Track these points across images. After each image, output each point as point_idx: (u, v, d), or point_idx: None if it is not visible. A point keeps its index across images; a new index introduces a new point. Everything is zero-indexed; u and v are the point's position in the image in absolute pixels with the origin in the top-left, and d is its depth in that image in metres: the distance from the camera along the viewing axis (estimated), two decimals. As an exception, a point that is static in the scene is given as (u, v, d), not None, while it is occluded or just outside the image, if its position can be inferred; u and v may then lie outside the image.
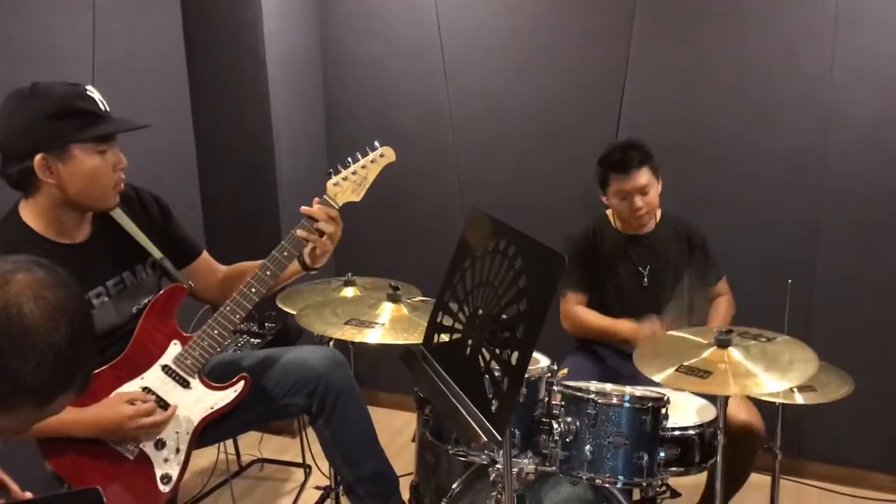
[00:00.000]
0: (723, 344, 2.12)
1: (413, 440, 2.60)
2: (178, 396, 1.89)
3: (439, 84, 3.61)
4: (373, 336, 2.31)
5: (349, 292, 2.83)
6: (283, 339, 3.21)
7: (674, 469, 2.10)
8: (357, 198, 2.00)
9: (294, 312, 2.60)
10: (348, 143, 3.83)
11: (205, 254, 2.13)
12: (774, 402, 2.41)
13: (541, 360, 2.23)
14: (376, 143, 2.03)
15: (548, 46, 3.42)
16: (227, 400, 1.93)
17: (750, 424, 2.49)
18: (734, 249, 3.09)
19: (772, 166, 3.15)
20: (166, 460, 1.86)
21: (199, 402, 1.91)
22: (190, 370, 1.90)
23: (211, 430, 2.14)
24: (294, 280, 2.10)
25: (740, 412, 2.47)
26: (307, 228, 1.93)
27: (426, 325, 1.82)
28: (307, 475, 3.40)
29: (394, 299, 2.47)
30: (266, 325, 3.20)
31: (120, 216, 1.90)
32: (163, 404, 1.87)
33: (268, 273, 1.92)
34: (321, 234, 1.93)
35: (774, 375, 2.01)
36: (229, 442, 3.40)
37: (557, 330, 2.89)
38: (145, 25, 3.34)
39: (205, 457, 3.52)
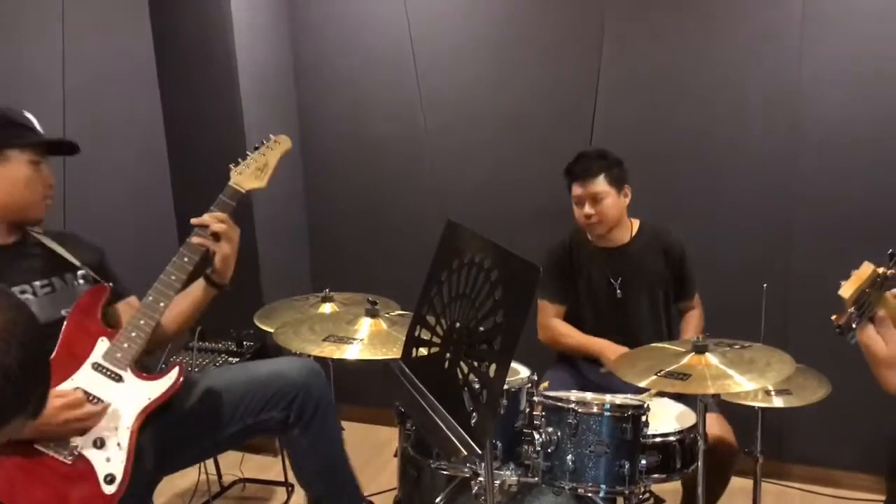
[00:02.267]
0: (700, 350, 2.14)
1: (395, 455, 2.59)
2: (111, 392, 1.87)
3: (412, 93, 3.62)
4: (352, 352, 2.29)
5: (327, 308, 2.81)
6: (261, 357, 3.19)
7: (656, 476, 2.10)
8: (261, 183, 2.16)
9: (272, 331, 2.59)
10: (323, 153, 3.85)
11: (133, 297, 2.16)
12: (753, 407, 2.43)
13: (521, 371, 2.24)
14: (271, 135, 2.22)
15: (520, 54, 3.44)
16: (163, 388, 1.92)
17: (723, 440, 2.49)
18: (708, 255, 3.11)
19: (744, 170, 3.18)
20: (108, 459, 1.81)
21: (134, 394, 1.89)
22: (120, 363, 1.90)
23: (189, 450, 2.12)
24: (208, 301, 2.12)
25: (713, 427, 2.46)
26: (201, 235, 2.03)
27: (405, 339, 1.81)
28: (290, 494, 3.36)
29: (372, 314, 2.46)
30: (244, 343, 3.18)
31: (46, 240, 1.97)
32: (95, 401, 1.85)
33: (185, 259, 1.99)
34: (217, 238, 2.01)
35: (752, 376, 2.03)
36: (210, 462, 3.36)
37: (538, 342, 2.89)
38: (115, 45, 3.32)
39: (186, 478, 3.48)
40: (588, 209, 2.70)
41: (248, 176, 2.13)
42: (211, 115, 3.56)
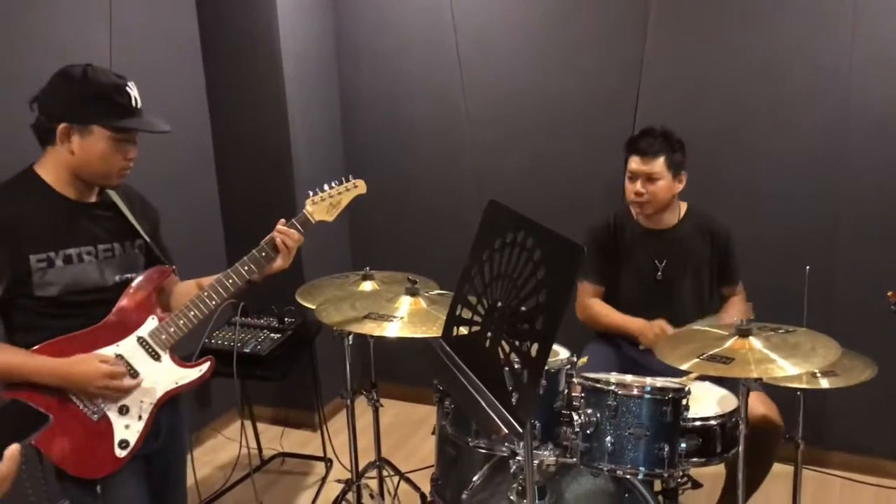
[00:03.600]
0: (744, 333, 2.12)
1: (433, 433, 2.61)
2: (147, 367, 1.98)
3: (454, 76, 3.61)
4: (392, 330, 2.32)
5: (367, 286, 2.84)
6: (302, 333, 3.23)
7: (695, 459, 2.10)
8: (330, 218, 2.24)
9: (313, 307, 2.62)
10: (364, 136, 3.87)
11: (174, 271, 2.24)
12: (796, 391, 2.40)
13: (560, 353, 2.23)
14: (350, 177, 2.31)
15: (563, 36, 3.40)
16: (192, 377, 2.04)
17: (768, 418, 2.47)
18: (752, 238, 3.06)
19: (789, 154, 3.12)
20: (127, 426, 1.94)
21: (166, 375, 2.01)
22: (163, 344, 2.00)
23: None
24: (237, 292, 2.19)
25: (758, 407, 2.45)
26: (272, 243, 2.10)
27: (445, 318, 1.82)
28: (328, 469, 3.42)
29: (412, 293, 2.47)
30: (286, 319, 3.22)
31: (118, 199, 2.03)
32: (133, 372, 1.96)
33: (246, 268, 2.06)
34: (277, 252, 2.10)
35: (796, 360, 2.01)
36: (251, 436, 3.43)
37: (577, 322, 2.89)
38: (161, 25, 3.36)
39: (227, 451, 3.56)
40: (640, 187, 2.67)
41: (321, 208, 2.22)
42: (255, 98, 3.59)
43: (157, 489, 2.10)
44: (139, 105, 1.92)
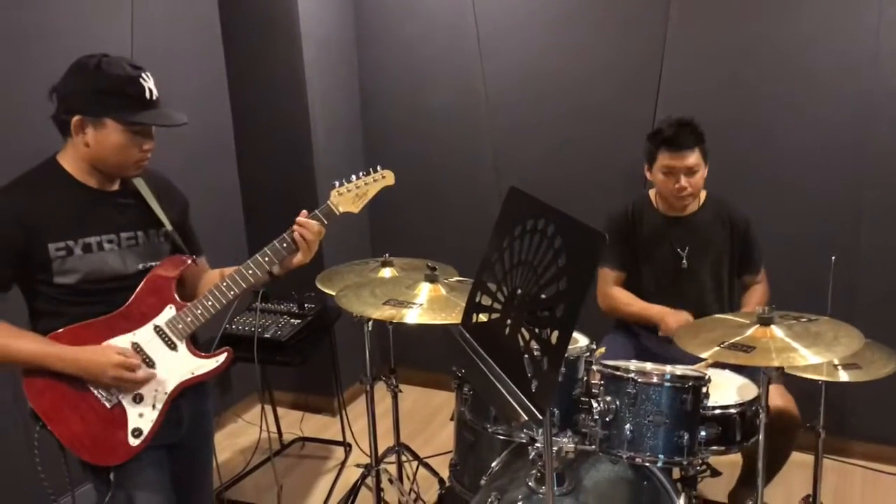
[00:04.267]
0: (765, 322, 2.10)
1: (452, 419, 2.62)
2: (163, 356, 1.98)
3: (474, 62, 3.59)
4: (411, 316, 2.32)
5: (387, 273, 2.84)
6: (322, 319, 3.25)
7: (714, 448, 2.09)
8: (356, 209, 2.19)
9: (333, 293, 2.63)
10: (383, 122, 3.87)
11: (203, 258, 2.24)
12: (818, 381, 2.38)
13: (579, 340, 2.23)
14: (378, 167, 2.24)
15: (583, 21, 3.38)
16: (208, 368, 2.02)
17: (785, 409, 2.46)
18: (775, 226, 3.04)
19: (813, 141, 3.08)
20: (141, 415, 1.94)
21: (182, 365, 2.00)
22: (180, 334, 2.00)
23: None
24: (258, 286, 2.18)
25: (776, 398, 2.43)
26: (292, 235, 2.06)
27: (464, 305, 1.82)
28: (347, 453, 3.44)
29: (431, 279, 2.48)
30: (305, 305, 3.24)
31: (143, 188, 2.03)
32: (148, 361, 1.97)
33: (266, 259, 2.03)
34: (297, 247, 2.06)
35: (818, 350, 1.99)
36: (271, 421, 3.47)
37: (597, 310, 2.88)
38: (182, 10, 3.37)
39: (247, 436, 3.59)
40: (683, 182, 2.65)
41: (346, 199, 2.16)
42: (275, 84, 3.60)
43: (184, 476, 2.11)
44: (155, 97, 1.89)
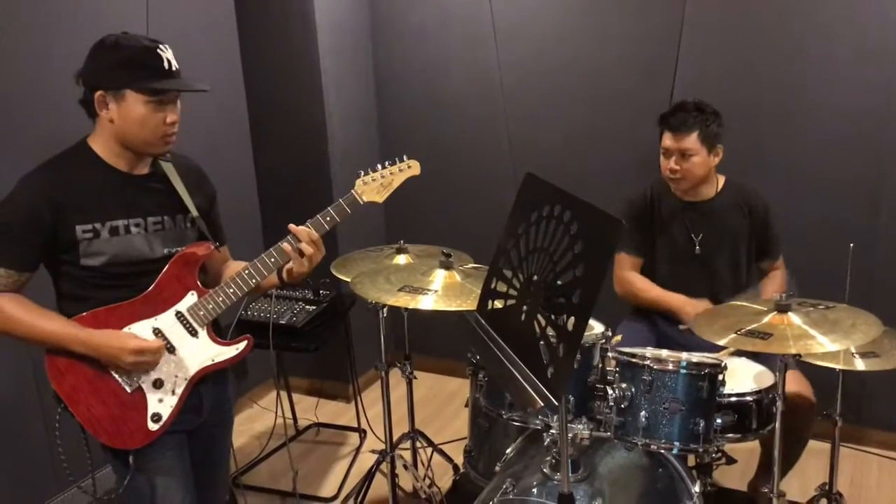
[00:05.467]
0: (782, 309, 2.09)
1: (466, 405, 2.62)
2: (184, 342, 2.00)
3: (489, 49, 3.57)
4: (426, 303, 2.32)
5: (402, 259, 2.85)
6: (337, 305, 3.26)
7: (730, 435, 2.09)
8: (380, 199, 2.17)
9: (348, 280, 2.63)
10: (398, 109, 3.86)
11: (226, 247, 2.25)
12: (835, 369, 2.36)
13: (595, 327, 2.22)
14: (405, 157, 2.22)
15: (599, 7, 3.35)
16: (228, 356, 2.04)
17: (801, 395, 2.44)
18: (793, 212, 3.02)
19: (832, 126, 3.05)
20: (160, 400, 1.96)
21: (202, 351, 2.02)
22: (201, 320, 2.01)
23: None
24: (270, 286, 2.18)
25: (791, 384, 2.41)
26: (291, 244, 2.04)
27: (479, 291, 1.82)
28: (362, 439, 3.46)
29: (446, 266, 2.47)
30: (320, 292, 3.25)
31: (172, 173, 2.03)
32: (170, 347, 1.98)
33: (286, 245, 2.02)
34: (301, 254, 2.03)
35: (835, 337, 1.97)
36: (286, 406, 3.49)
37: (613, 296, 2.86)
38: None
39: (262, 421, 3.62)
40: (674, 164, 2.64)
41: (371, 189, 2.15)
42: (290, 70, 3.60)
43: (203, 461, 2.13)
44: (174, 67, 1.90)
